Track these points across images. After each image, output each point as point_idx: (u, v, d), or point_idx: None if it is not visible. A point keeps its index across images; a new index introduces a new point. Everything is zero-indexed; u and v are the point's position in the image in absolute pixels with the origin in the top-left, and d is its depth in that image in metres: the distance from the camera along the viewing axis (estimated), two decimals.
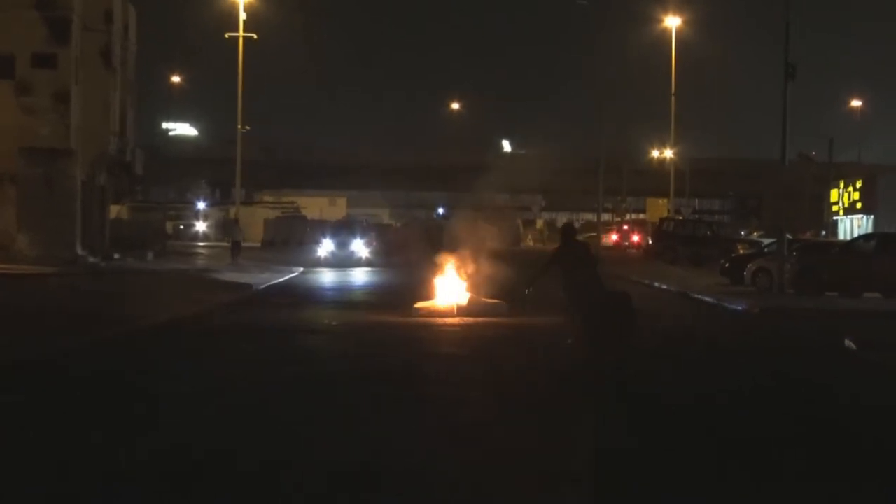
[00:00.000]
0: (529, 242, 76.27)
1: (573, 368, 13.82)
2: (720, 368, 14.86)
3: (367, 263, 41.58)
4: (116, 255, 40.58)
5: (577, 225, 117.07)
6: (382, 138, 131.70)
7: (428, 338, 17.87)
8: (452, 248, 22.11)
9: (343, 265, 40.02)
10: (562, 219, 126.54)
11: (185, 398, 11.33)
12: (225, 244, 65.38)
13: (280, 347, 16.27)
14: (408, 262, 24.92)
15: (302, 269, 37.95)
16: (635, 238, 71.35)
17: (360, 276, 35.31)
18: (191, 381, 12.61)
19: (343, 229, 45.79)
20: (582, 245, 15.66)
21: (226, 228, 74.48)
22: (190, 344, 16.80)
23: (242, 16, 55.93)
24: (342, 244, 43.41)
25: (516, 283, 19.41)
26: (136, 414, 10.46)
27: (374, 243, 44.57)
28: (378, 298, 26.66)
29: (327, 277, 35.39)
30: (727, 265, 33.97)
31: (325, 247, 43.39)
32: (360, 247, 43.40)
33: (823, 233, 72.03)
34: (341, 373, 13.51)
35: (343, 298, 26.92)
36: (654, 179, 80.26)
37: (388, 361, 14.62)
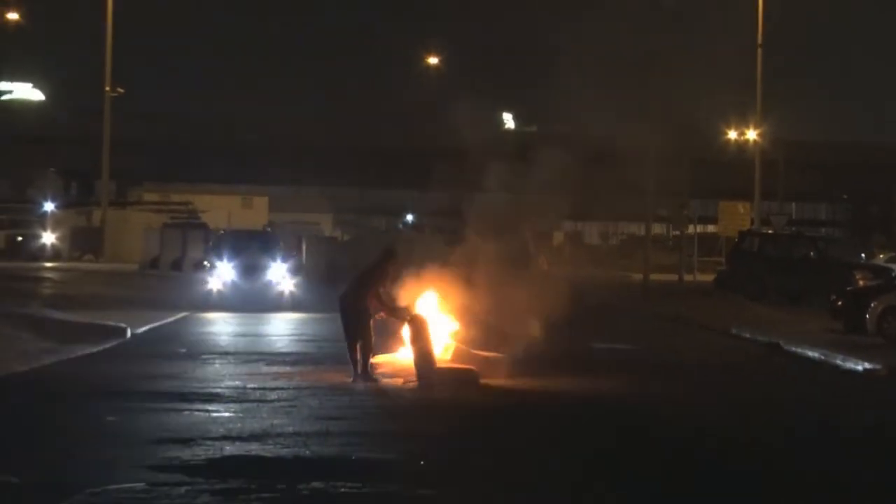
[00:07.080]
0: (543, 265, 75.93)
1: None
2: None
3: (292, 305, 38.60)
4: None
5: (614, 241, 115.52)
6: (325, 112, 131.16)
7: (397, 412, 17.91)
8: (428, 274, 22.03)
9: (250, 308, 37.38)
10: (591, 231, 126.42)
11: None
12: (84, 265, 65.23)
13: (166, 422, 16.26)
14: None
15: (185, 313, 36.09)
16: None
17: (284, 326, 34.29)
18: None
19: (252, 245, 41.64)
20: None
21: (86, 241, 74.12)
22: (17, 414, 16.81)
23: None
24: (250, 270, 39.54)
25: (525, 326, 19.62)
26: None
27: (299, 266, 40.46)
28: (315, 349, 26.91)
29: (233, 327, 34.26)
30: (840, 303, 33.97)
31: (223, 274, 39.33)
32: (280, 274, 39.66)
33: None
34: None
35: (264, 349, 27.19)
36: (731, 174, 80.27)
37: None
